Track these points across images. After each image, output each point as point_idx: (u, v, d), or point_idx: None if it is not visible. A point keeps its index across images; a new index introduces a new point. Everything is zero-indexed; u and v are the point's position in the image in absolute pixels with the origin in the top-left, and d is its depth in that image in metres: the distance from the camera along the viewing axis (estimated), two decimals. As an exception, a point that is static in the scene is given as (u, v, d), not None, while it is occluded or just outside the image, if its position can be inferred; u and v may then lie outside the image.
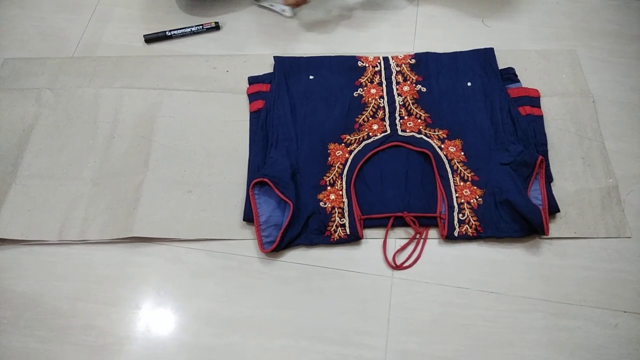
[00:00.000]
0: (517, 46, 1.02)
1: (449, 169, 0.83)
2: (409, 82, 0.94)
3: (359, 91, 0.93)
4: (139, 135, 0.92)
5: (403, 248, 0.80)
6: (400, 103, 0.91)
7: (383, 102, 0.91)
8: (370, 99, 0.92)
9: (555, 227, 0.80)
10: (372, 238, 0.81)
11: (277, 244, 0.78)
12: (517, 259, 0.78)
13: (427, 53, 0.98)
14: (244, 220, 0.82)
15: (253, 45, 1.05)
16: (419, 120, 0.89)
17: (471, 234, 0.79)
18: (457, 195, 0.81)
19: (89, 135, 0.92)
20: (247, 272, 0.79)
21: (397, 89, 0.93)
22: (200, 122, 0.93)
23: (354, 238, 0.79)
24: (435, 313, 0.75)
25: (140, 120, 0.94)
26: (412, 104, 0.91)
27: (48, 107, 0.96)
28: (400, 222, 0.81)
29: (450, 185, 0.82)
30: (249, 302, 0.76)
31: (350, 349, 0.72)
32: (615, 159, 0.86)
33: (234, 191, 0.85)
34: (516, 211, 0.77)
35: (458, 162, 0.84)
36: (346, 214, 0.80)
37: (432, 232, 0.81)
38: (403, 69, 0.96)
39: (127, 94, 0.97)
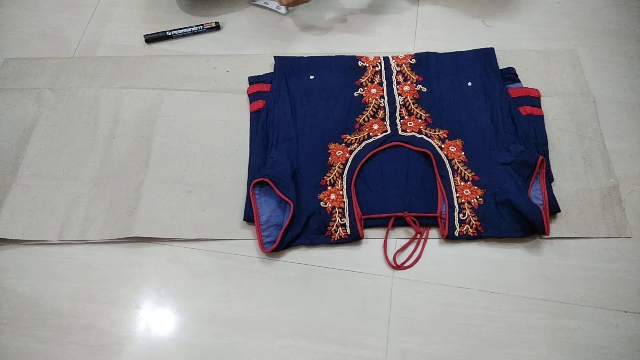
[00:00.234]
0: (518, 46, 1.02)
1: (449, 169, 0.83)
2: (409, 82, 0.94)
3: (359, 91, 0.93)
4: (140, 135, 0.92)
5: (404, 248, 0.80)
6: (401, 103, 0.91)
7: (384, 102, 0.91)
8: (370, 99, 0.92)
9: (556, 227, 0.80)
10: (373, 238, 0.81)
11: (278, 244, 0.78)
12: (518, 259, 0.78)
13: (428, 53, 0.98)
14: (244, 220, 0.82)
15: (254, 45, 1.05)
16: (420, 121, 0.89)
17: (472, 234, 0.79)
18: (457, 195, 0.81)
19: (89, 135, 0.92)
20: (247, 272, 0.79)
21: (397, 89, 0.93)
22: (201, 122, 0.93)
23: (354, 238, 0.79)
24: (436, 313, 0.74)
25: (141, 121, 0.94)
26: (413, 104, 0.91)
27: (48, 108, 0.96)
28: (401, 222, 0.81)
29: (451, 186, 0.81)
30: (249, 302, 0.76)
31: (351, 349, 0.72)
32: (616, 159, 0.86)
33: (235, 191, 0.85)
34: (517, 211, 0.77)
35: (459, 162, 0.84)
36: (347, 214, 0.80)
37: (433, 232, 0.81)
38: (404, 69, 0.96)
39: (127, 94, 0.97)
